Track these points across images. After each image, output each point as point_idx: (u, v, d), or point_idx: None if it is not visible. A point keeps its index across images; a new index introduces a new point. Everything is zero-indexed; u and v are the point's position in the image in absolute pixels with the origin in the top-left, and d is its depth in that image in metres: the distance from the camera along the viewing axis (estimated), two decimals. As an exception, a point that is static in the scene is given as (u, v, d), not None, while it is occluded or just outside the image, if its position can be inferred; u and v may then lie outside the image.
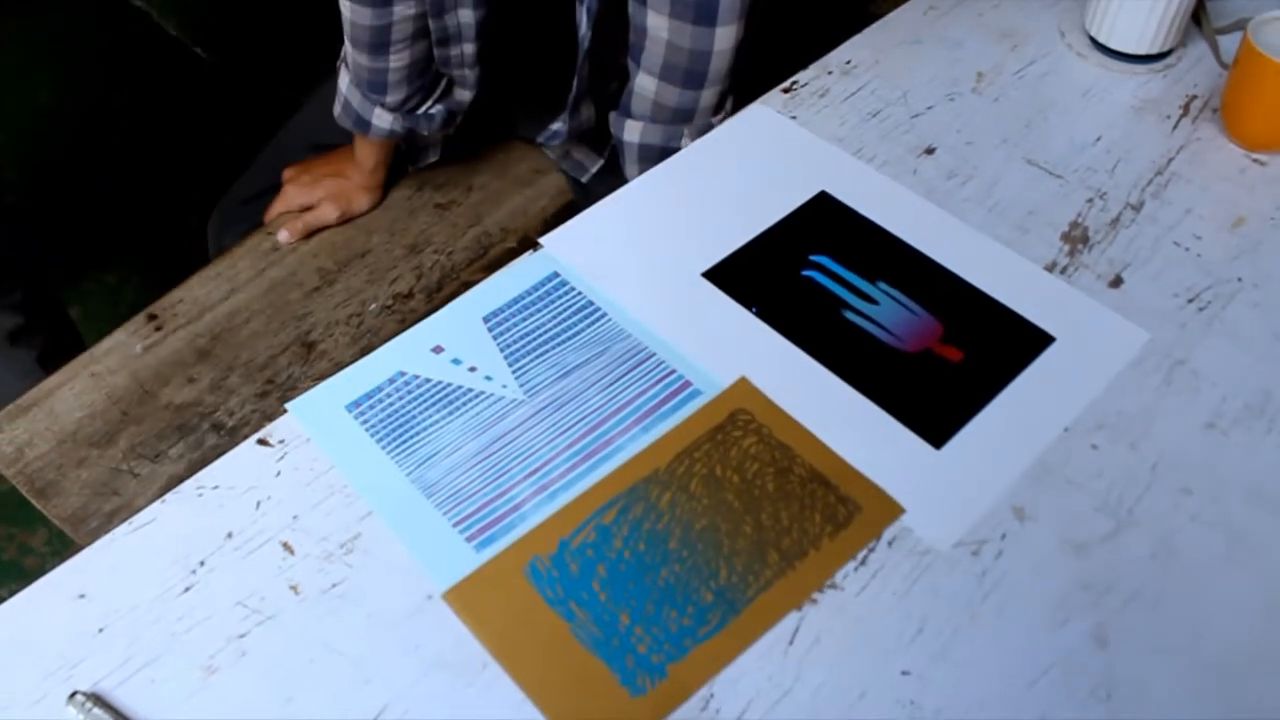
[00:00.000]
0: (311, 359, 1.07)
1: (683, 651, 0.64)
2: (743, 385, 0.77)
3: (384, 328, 1.08)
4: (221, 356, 1.08)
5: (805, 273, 0.85)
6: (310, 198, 1.17)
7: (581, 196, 1.16)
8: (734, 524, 0.69)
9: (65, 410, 1.05)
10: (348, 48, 1.02)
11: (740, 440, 0.73)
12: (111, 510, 0.99)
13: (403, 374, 0.79)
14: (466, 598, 0.67)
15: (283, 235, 1.16)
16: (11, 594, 1.53)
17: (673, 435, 0.74)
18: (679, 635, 0.65)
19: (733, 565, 0.67)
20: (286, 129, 1.33)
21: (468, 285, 1.11)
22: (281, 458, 0.75)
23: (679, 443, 0.73)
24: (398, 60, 1.00)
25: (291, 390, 1.05)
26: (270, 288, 1.14)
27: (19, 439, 1.04)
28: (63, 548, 1.55)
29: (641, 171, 0.93)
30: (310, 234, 1.16)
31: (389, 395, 0.77)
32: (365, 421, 0.76)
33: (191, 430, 1.03)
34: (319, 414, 0.76)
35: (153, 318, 1.11)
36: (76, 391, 1.07)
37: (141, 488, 1.00)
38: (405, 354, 0.80)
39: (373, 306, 1.11)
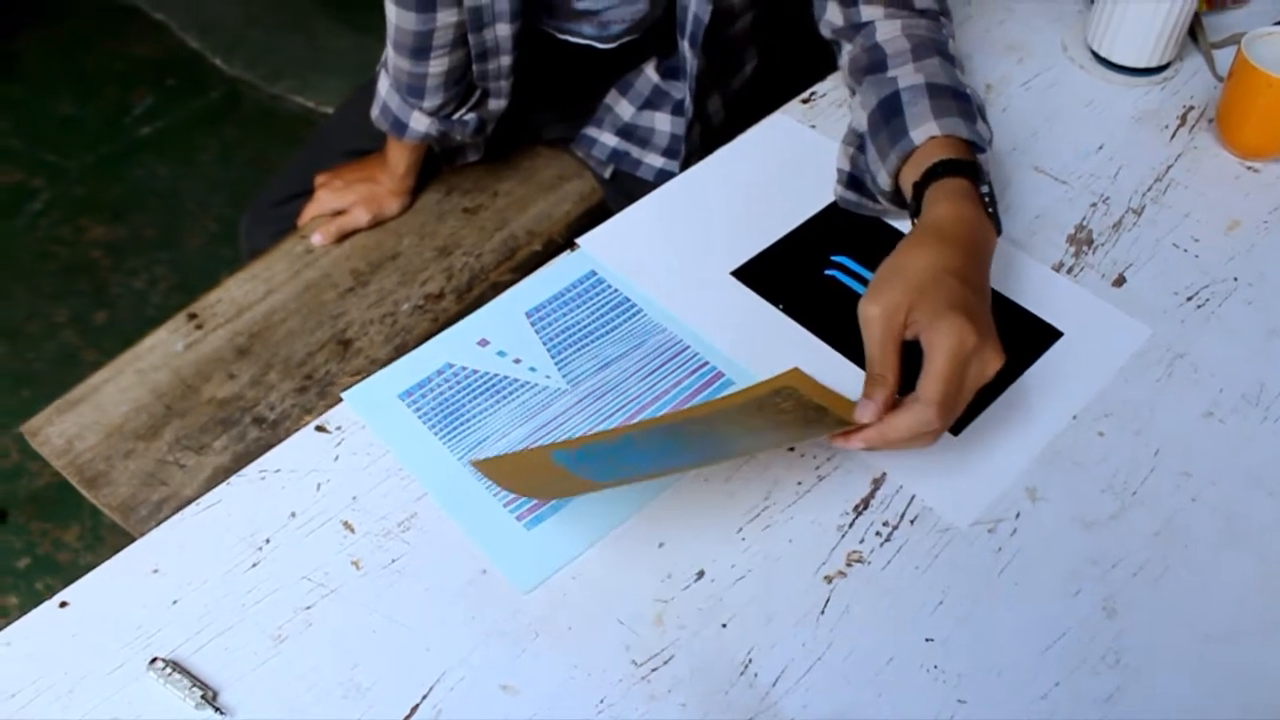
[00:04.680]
0: (348, 356, 1.12)
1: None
2: (795, 373, 0.80)
3: (417, 326, 1.13)
4: (260, 354, 1.13)
5: (827, 272, 0.91)
6: (342, 202, 1.21)
7: (611, 194, 1.21)
8: (739, 438, 0.74)
9: (112, 405, 1.10)
10: (390, 52, 1.07)
11: (779, 404, 0.76)
12: (160, 500, 1.03)
13: (450, 365, 0.84)
14: (491, 465, 0.73)
15: (317, 238, 1.20)
16: (47, 588, 1.59)
17: (721, 400, 0.77)
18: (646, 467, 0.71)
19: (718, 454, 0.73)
20: (318, 135, 1.38)
21: (496, 286, 1.17)
22: (339, 443, 0.80)
23: (725, 405, 0.77)
24: (437, 66, 1.05)
25: (329, 386, 1.10)
26: (305, 288, 1.18)
27: (68, 432, 1.08)
28: (95, 543, 1.59)
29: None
30: (343, 237, 1.21)
31: (438, 385, 0.82)
32: (417, 409, 0.81)
33: (234, 424, 1.08)
34: (373, 402, 0.81)
35: (193, 317, 1.16)
36: (122, 387, 1.11)
37: (188, 478, 1.05)
38: (453, 347, 0.85)
39: (405, 306, 1.15)
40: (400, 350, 1.11)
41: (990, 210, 0.79)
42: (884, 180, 0.86)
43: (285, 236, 1.25)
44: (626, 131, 1.18)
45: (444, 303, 1.14)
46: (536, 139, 1.28)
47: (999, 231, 0.80)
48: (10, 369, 1.80)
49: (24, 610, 1.56)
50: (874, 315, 0.72)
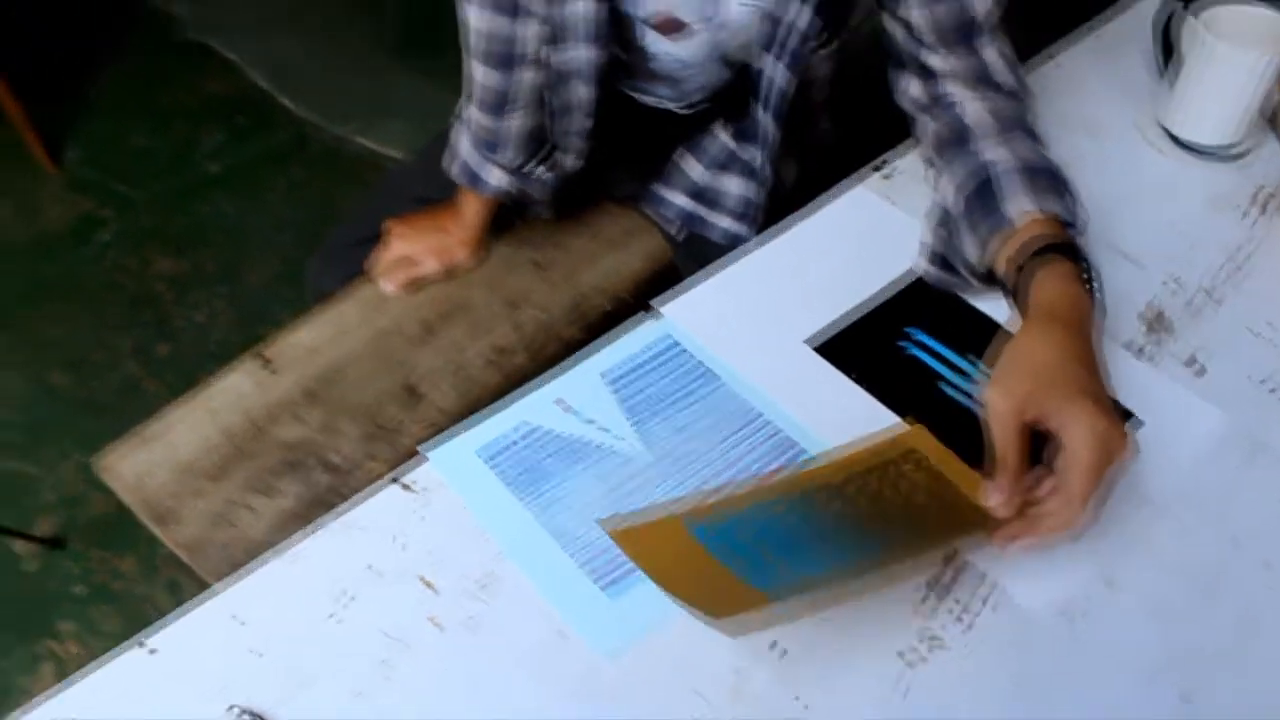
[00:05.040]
0: (417, 406, 1.13)
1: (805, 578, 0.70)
2: (919, 432, 0.78)
3: (487, 379, 1.14)
4: (330, 399, 1.14)
5: (901, 344, 0.91)
6: (412, 250, 1.22)
7: (683, 257, 1.22)
8: (889, 534, 0.74)
9: (183, 443, 1.11)
10: (469, 107, 1.09)
11: (911, 474, 0.75)
12: (228, 541, 1.05)
13: (528, 425, 0.85)
14: (629, 537, 0.71)
15: (387, 286, 1.21)
16: (101, 615, 1.60)
17: (847, 459, 0.76)
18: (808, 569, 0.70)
19: (877, 555, 0.73)
20: (389, 180, 1.40)
21: (567, 344, 1.18)
22: (420, 500, 0.81)
23: (852, 466, 0.76)
24: (517, 124, 1.07)
25: (398, 435, 1.11)
26: (375, 335, 1.20)
27: (139, 468, 1.10)
28: (150, 573, 1.61)
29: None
30: (413, 286, 1.22)
31: (517, 444, 0.84)
32: (497, 468, 0.82)
33: (302, 468, 1.09)
34: (453, 460, 0.83)
35: (266, 361, 1.17)
36: (193, 426, 1.13)
37: (256, 521, 1.06)
38: (531, 406, 0.86)
39: (475, 359, 1.17)
40: (469, 402, 1.12)
41: (1091, 289, 0.80)
42: (976, 257, 0.87)
43: (355, 281, 1.26)
44: (698, 193, 1.19)
45: (515, 359, 1.16)
46: (606, 195, 1.30)
47: (1102, 312, 0.81)
48: (74, 396, 1.83)
49: (80, 637, 1.59)
50: (1004, 409, 0.73)
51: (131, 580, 1.61)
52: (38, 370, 1.85)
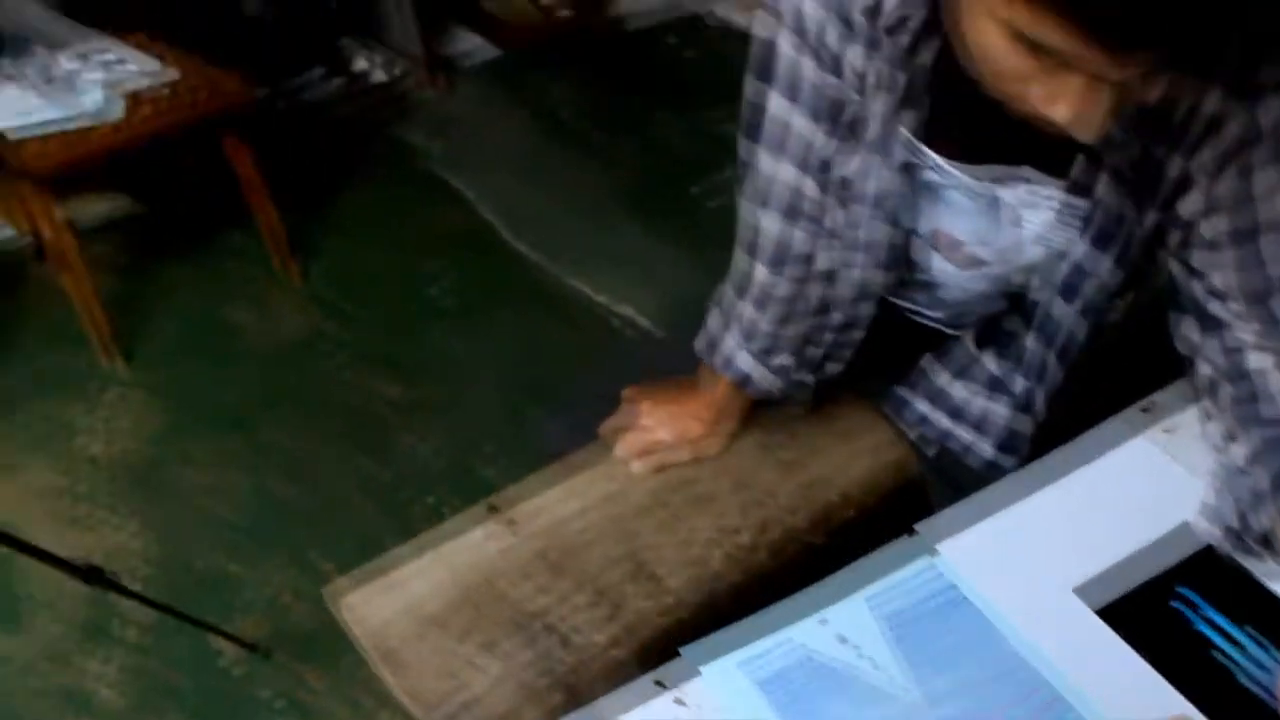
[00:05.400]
0: (650, 586, 1.14)
1: None
2: None
3: (724, 572, 1.14)
4: (564, 567, 1.15)
5: (1172, 604, 0.89)
6: (654, 425, 1.22)
7: (931, 472, 1.21)
8: None
9: (416, 589, 1.14)
10: (742, 303, 1.11)
11: None
12: (456, 698, 1.06)
13: (793, 641, 0.85)
14: None
15: (634, 465, 1.21)
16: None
17: None
18: None
19: None
20: (633, 345, 1.44)
21: (809, 548, 1.18)
22: (690, 713, 0.82)
23: None
24: (792, 327, 1.09)
25: (628, 612, 1.11)
26: (611, 507, 1.21)
27: (377, 611, 1.13)
28: (339, 692, 1.65)
29: None
30: (657, 467, 1.21)
31: (779, 661, 0.85)
32: (768, 692, 0.83)
33: (532, 633, 1.10)
34: (723, 677, 0.84)
35: (508, 521, 1.19)
36: (428, 573, 1.16)
37: (483, 680, 1.07)
38: (794, 622, 0.87)
39: (711, 548, 1.16)
40: (704, 593, 1.12)
41: None
42: (1274, 533, 0.85)
43: (593, 446, 1.28)
44: (954, 411, 1.18)
45: (756, 555, 1.16)
46: (846, 386, 1.30)
47: None
48: (291, 506, 1.92)
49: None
50: None
51: (321, 695, 1.66)
52: (263, 476, 1.95)
